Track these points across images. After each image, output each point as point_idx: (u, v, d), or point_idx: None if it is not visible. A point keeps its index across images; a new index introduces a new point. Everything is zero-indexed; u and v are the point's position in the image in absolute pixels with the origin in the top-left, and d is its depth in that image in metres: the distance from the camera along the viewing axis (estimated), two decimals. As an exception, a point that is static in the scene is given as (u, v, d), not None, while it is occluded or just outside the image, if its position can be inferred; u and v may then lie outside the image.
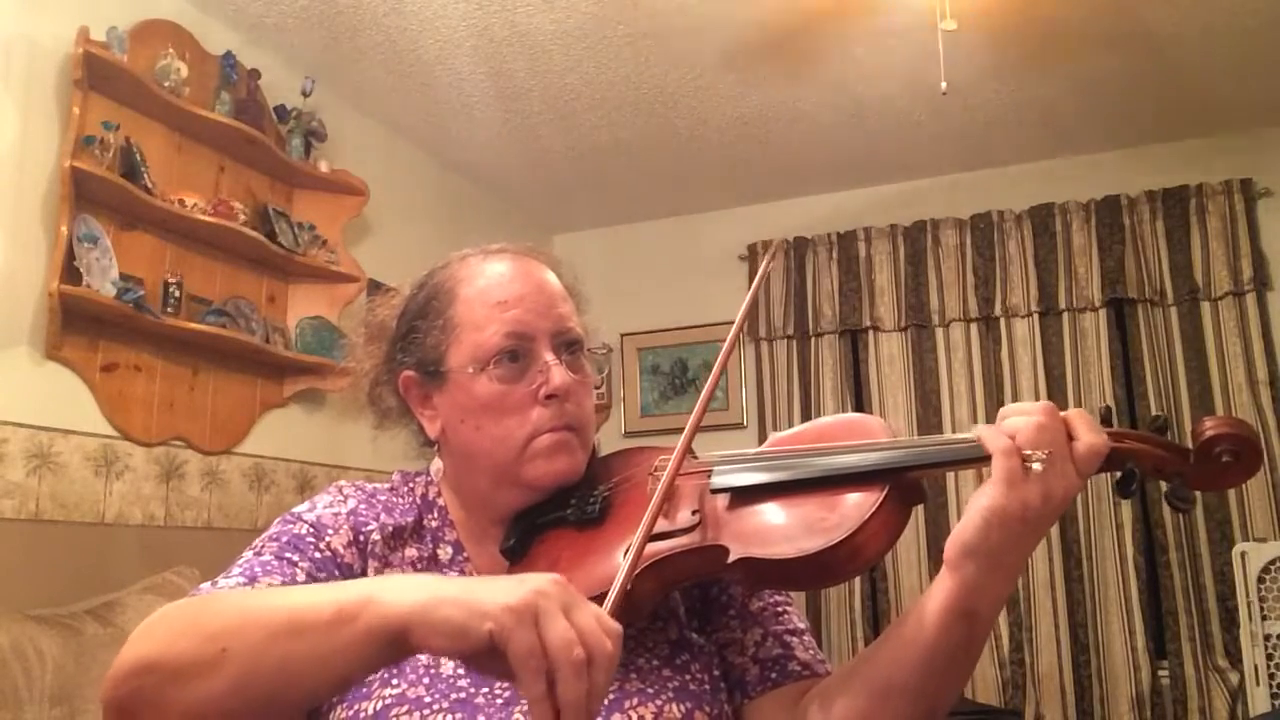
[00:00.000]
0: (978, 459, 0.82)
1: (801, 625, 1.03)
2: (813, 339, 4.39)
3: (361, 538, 0.97)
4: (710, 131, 3.88)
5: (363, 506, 1.00)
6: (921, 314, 4.24)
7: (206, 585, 0.89)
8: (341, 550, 0.95)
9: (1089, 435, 0.80)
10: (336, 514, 0.98)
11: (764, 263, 1.05)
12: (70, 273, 2.44)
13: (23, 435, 2.38)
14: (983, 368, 4.12)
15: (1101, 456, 0.80)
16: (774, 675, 0.97)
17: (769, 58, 3.34)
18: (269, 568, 0.90)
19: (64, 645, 2.06)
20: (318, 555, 0.93)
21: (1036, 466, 0.77)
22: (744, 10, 3.06)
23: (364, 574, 0.95)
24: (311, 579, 0.90)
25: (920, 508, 4.11)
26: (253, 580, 0.88)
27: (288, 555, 0.92)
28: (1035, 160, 4.20)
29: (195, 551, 2.68)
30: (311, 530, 0.95)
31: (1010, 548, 0.79)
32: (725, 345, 0.95)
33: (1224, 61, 3.40)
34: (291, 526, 0.96)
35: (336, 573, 0.93)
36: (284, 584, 0.88)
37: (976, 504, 0.79)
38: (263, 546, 0.93)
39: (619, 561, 0.90)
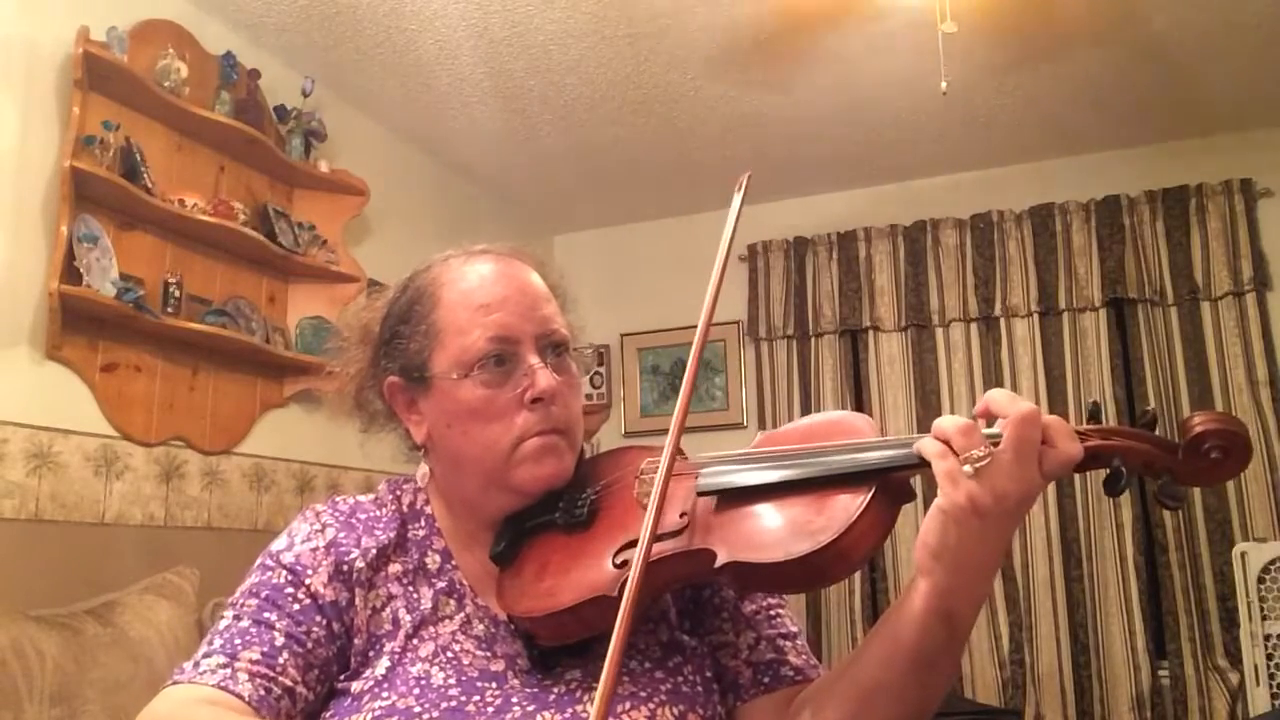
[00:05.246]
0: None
1: (794, 629, 1.03)
2: (813, 339, 4.39)
3: (345, 567, 0.96)
4: (710, 131, 3.88)
5: (342, 534, 0.99)
6: (921, 314, 4.24)
7: (188, 666, 0.89)
8: (323, 590, 0.94)
9: (1064, 444, 0.79)
10: (315, 549, 0.97)
11: (738, 194, 0.98)
12: (70, 273, 2.44)
13: (23, 435, 2.38)
14: (983, 368, 4.12)
15: (1071, 465, 0.79)
16: (767, 679, 0.97)
17: (769, 58, 3.34)
18: (248, 639, 0.90)
19: (64, 645, 2.06)
20: (296, 607, 0.93)
21: (967, 469, 0.78)
22: (744, 10, 3.06)
23: (350, 605, 0.95)
24: (289, 638, 0.90)
25: (922, 511, 4.08)
26: (233, 658, 0.88)
27: (265, 617, 0.92)
28: (1035, 160, 4.20)
29: (195, 551, 2.68)
30: (289, 577, 0.95)
31: (974, 546, 0.79)
32: (706, 307, 0.91)
33: (1224, 61, 3.40)
34: (270, 575, 0.95)
35: (318, 617, 0.93)
36: (263, 655, 0.88)
37: (933, 507, 0.80)
38: (241, 607, 0.93)
39: (608, 565, 0.89)
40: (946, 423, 0.81)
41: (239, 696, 0.85)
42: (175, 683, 0.88)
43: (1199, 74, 3.49)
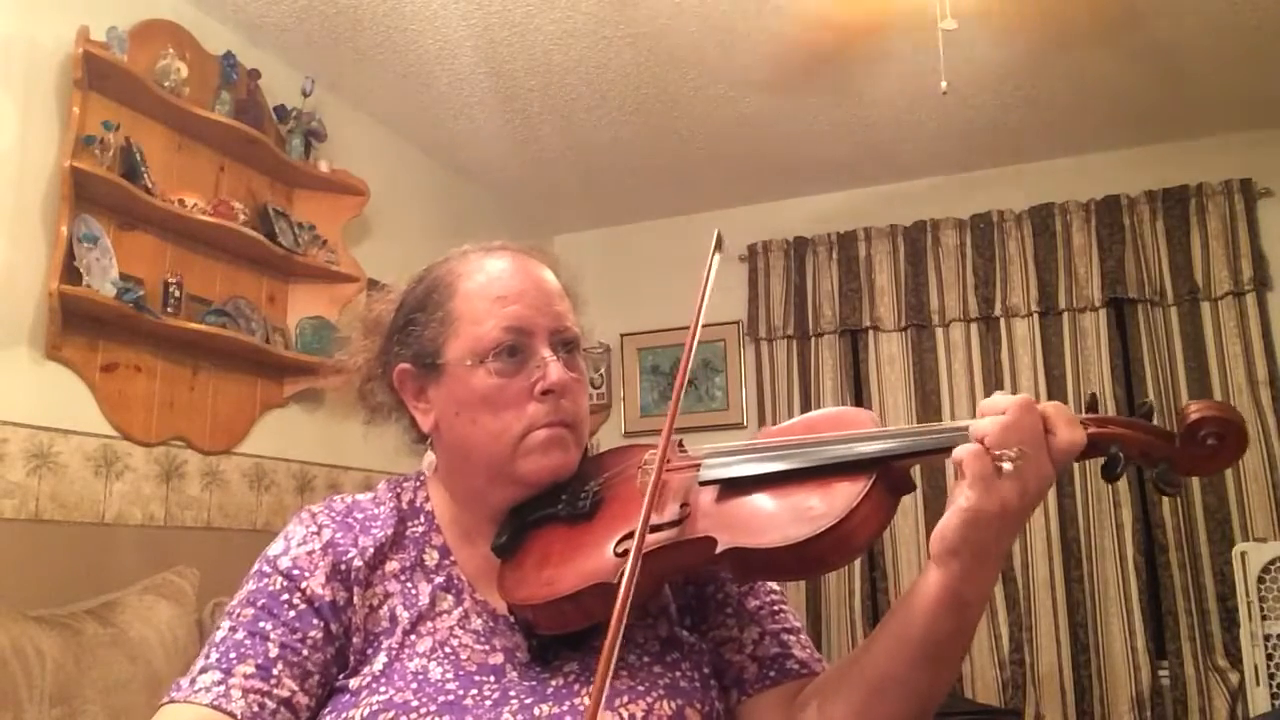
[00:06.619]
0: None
1: (797, 624, 1.03)
2: (813, 339, 4.39)
3: (343, 567, 0.96)
4: (710, 131, 3.88)
5: (339, 534, 0.99)
6: (921, 314, 4.24)
7: (185, 681, 0.89)
8: (320, 590, 0.94)
9: (1067, 431, 0.80)
10: (311, 551, 0.97)
11: (711, 255, 1.01)
12: (70, 273, 2.44)
13: (23, 435, 2.38)
14: (983, 368, 4.12)
15: (1077, 452, 0.80)
16: (772, 673, 0.98)
17: (769, 57, 3.34)
18: (243, 652, 0.90)
19: (64, 645, 2.06)
20: (292, 614, 0.92)
21: (1008, 466, 0.77)
22: (744, 9, 3.06)
23: (349, 604, 0.95)
24: (284, 647, 0.90)
25: (921, 506, 4.12)
26: (228, 673, 0.88)
27: (260, 627, 0.91)
28: (1035, 160, 4.20)
29: (195, 551, 2.68)
30: (285, 583, 0.94)
31: (994, 539, 0.81)
32: (691, 333, 0.93)
33: (1224, 61, 3.40)
34: (266, 581, 0.95)
35: (315, 620, 0.93)
36: (258, 669, 0.88)
37: (955, 504, 0.80)
38: (237, 617, 0.93)
39: (609, 553, 0.90)
40: (986, 422, 0.80)
41: (231, 715, 0.85)
42: (172, 700, 0.88)
43: (1199, 74, 3.49)
